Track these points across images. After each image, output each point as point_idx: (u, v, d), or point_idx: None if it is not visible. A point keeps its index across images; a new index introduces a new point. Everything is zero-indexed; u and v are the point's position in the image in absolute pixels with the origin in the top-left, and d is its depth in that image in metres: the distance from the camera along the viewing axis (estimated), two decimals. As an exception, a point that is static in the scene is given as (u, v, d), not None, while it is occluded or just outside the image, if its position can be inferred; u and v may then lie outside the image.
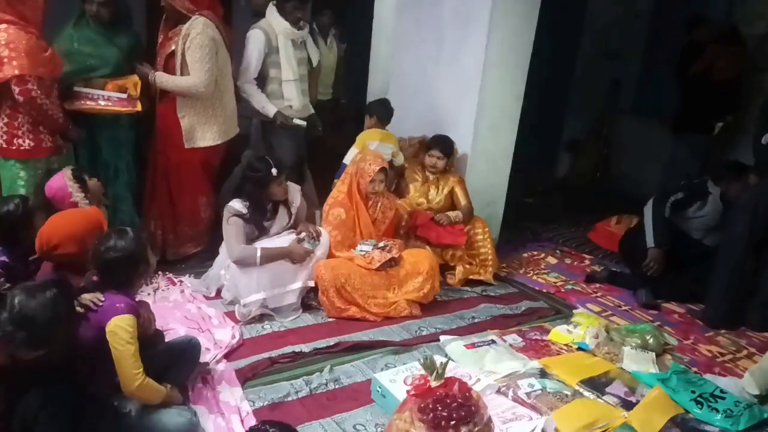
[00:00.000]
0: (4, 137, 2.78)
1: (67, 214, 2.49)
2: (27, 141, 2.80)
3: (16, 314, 1.72)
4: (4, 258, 2.36)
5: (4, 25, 2.60)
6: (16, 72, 2.60)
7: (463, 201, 3.74)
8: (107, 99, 3.06)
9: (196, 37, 3.14)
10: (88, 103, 3.02)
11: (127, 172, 3.31)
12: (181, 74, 3.22)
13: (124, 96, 3.08)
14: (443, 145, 3.69)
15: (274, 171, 3.01)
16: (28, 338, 1.72)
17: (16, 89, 2.64)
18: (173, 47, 3.23)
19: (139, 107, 3.10)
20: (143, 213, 3.46)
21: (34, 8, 2.69)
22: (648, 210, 3.65)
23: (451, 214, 3.65)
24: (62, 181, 2.68)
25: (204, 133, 3.32)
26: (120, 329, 1.93)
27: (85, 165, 3.12)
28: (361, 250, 3.22)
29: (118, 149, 3.26)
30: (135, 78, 3.18)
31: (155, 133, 3.36)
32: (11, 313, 1.72)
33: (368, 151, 3.43)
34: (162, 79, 3.22)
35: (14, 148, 2.79)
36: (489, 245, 3.71)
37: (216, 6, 3.32)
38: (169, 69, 3.27)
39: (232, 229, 2.99)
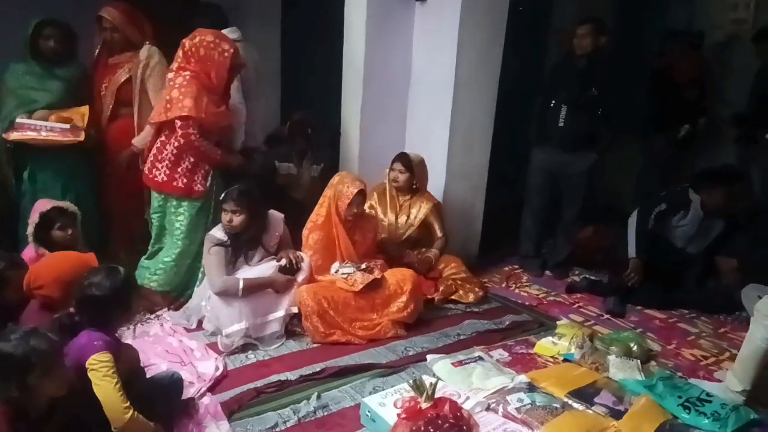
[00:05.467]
0: (168, 172, 3.07)
1: (62, 257, 2.47)
2: (180, 181, 3.09)
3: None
4: None
5: (187, 73, 2.98)
6: (183, 113, 2.92)
7: (438, 233, 3.77)
8: (50, 130, 3.08)
9: (156, 66, 3.33)
10: (29, 133, 3.05)
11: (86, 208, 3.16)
12: (139, 101, 3.35)
13: (67, 127, 3.08)
14: (404, 159, 3.71)
15: (222, 196, 3.00)
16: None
17: (179, 132, 2.95)
18: (126, 75, 3.33)
19: (81, 137, 3.11)
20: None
21: (218, 76, 3.02)
22: (632, 221, 3.70)
23: (431, 254, 3.71)
24: (41, 208, 2.74)
25: None
26: (99, 365, 1.89)
27: None
28: (343, 273, 3.20)
29: (67, 182, 3.22)
30: (83, 109, 3.21)
31: (107, 159, 3.44)
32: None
33: (346, 174, 3.43)
34: (139, 142, 3.33)
35: (175, 184, 3.08)
36: (465, 279, 3.71)
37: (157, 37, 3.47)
38: (122, 97, 3.36)
39: (213, 259, 2.95)
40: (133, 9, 3.37)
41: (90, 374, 1.88)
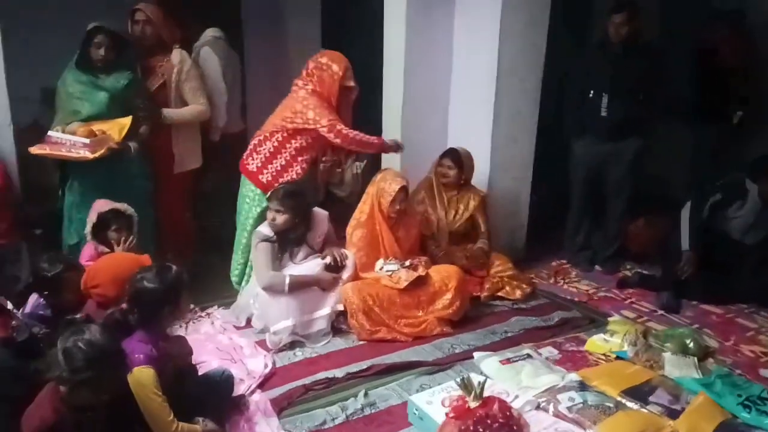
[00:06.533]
0: (260, 164, 3.22)
1: (118, 258, 2.58)
2: (266, 176, 3.21)
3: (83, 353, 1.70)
4: (42, 312, 2.44)
5: (309, 86, 3.19)
6: (324, 123, 3.11)
7: (482, 227, 3.72)
8: (72, 144, 2.95)
9: (191, 69, 3.40)
10: (47, 147, 2.97)
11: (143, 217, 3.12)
12: (175, 105, 3.39)
13: (87, 141, 2.93)
14: (454, 154, 3.67)
15: (268, 194, 3.09)
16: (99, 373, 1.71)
17: (331, 135, 3.11)
18: (161, 80, 3.35)
19: (97, 153, 2.93)
20: None
21: (330, 95, 3.18)
22: (685, 213, 3.58)
23: (481, 244, 3.67)
24: (99, 208, 2.84)
25: (191, 157, 3.55)
26: (142, 380, 1.93)
27: None
28: (387, 270, 3.19)
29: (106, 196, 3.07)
30: (124, 121, 3.09)
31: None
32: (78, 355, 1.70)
33: (388, 170, 3.42)
34: (171, 114, 3.36)
35: (260, 177, 3.23)
36: (512, 275, 3.65)
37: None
38: (158, 101, 3.36)
39: (261, 255, 3.00)
40: (167, 11, 3.42)
41: (132, 388, 1.93)
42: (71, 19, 3.22)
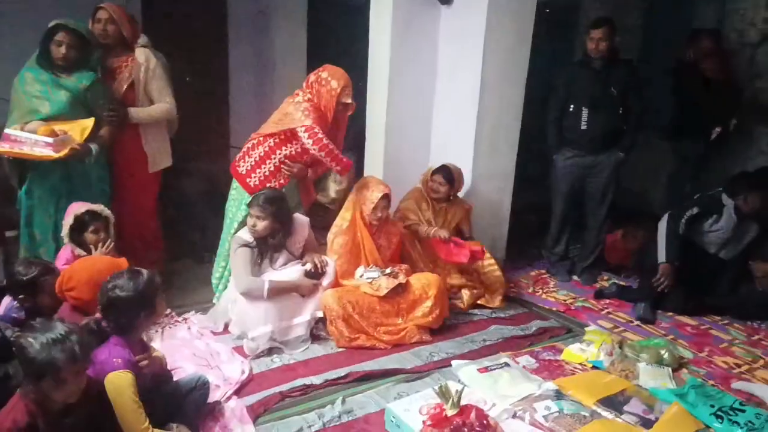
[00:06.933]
0: (249, 168, 3.23)
1: (94, 261, 2.53)
2: (254, 180, 3.22)
3: (38, 350, 1.66)
4: (15, 315, 2.41)
5: (308, 95, 3.21)
6: (293, 125, 3.12)
7: (467, 234, 3.78)
8: (34, 143, 2.82)
9: (156, 68, 3.36)
10: (6, 146, 2.84)
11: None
12: (141, 105, 3.36)
13: (50, 140, 2.82)
14: (446, 172, 3.69)
15: (249, 200, 3.09)
16: (57, 369, 1.67)
17: (305, 135, 3.08)
18: (129, 80, 3.31)
19: (60, 153, 2.83)
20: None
21: (326, 110, 3.18)
22: (662, 225, 3.63)
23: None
24: (75, 210, 2.78)
25: (163, 156, 3.52)
26: (119, 385, 1.91)
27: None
28: (367, 277, 3.19)
29: (63, 200, 3.03)
30: (87, 122, 3.00)
31: (115, 165, 3.36)
32: (31, 353, 1.67)
33: (370, 178, 3.43)
34: (138, 113, 3.32)
35: (248, 180, 3.22)
36: (496, 272, 3.66)
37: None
38: (127, 100, 3.31)
39: (239, 260, 2.99)
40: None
41: (108, 393, 1.90)
42: (43, 17, 3.07)
